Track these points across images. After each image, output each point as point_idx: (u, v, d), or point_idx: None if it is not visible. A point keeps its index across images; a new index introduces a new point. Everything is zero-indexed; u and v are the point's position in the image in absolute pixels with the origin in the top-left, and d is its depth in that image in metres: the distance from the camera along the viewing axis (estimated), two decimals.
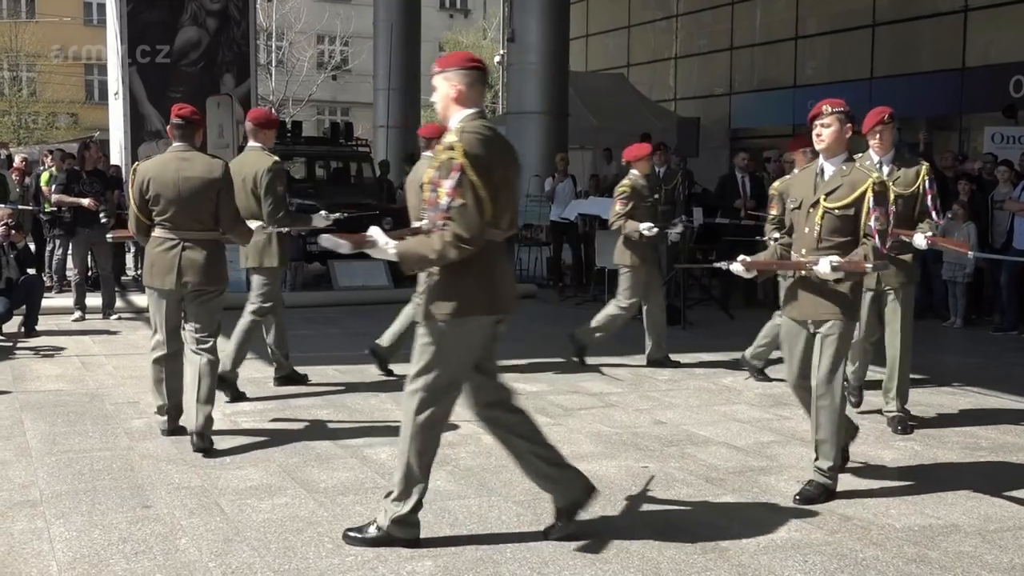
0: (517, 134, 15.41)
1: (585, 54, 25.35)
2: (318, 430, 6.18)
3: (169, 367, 5.93)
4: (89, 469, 5.26)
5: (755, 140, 20.64)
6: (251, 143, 7.07)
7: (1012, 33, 16.67)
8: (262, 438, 5.99)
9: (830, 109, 4.82)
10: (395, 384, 7.54)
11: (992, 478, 5.34)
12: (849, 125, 4.84)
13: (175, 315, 5.88)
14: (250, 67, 18.70)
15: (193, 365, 5.76)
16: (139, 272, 14.14)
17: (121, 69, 17.57)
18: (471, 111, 4.05)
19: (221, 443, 5.77)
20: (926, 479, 5.33)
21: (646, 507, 4.77)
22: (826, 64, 20.58)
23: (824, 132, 4.83)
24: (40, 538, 4.28)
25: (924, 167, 6.13)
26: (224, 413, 6.57)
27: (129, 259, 14.42)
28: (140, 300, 11.78)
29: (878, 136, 6.10)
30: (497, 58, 27.33)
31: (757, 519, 4.62)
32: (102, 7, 30.48)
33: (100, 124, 25.59)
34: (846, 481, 5.25)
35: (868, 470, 5.46)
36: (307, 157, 15.67)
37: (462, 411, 6.69)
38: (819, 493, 4.87)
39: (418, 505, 4.19)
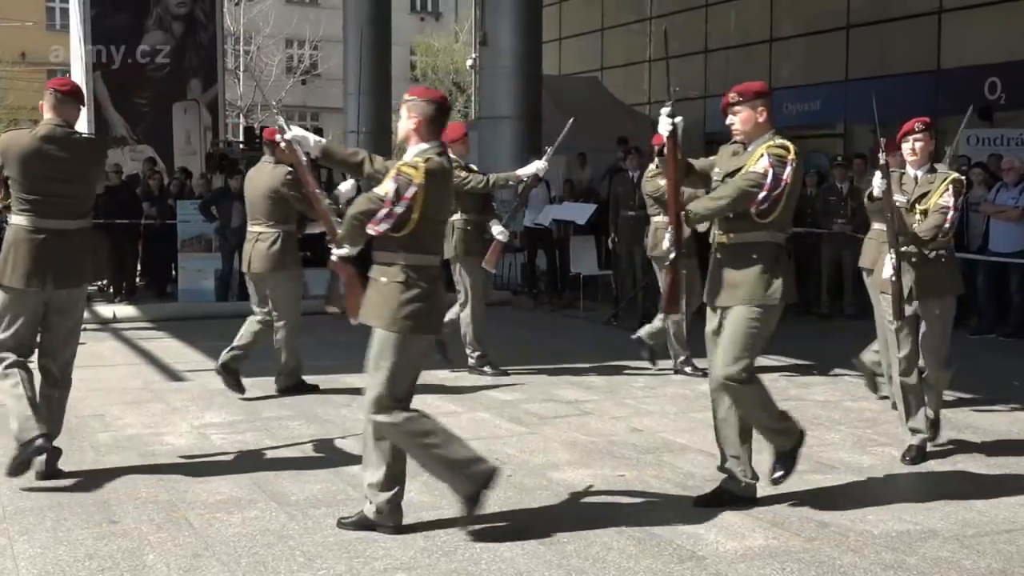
0: (490, 139, 15.40)
1: (558, 57, 25.36)
2: (289, 442, 6.15)
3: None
4: (53, 484, 5.21)
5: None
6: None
7: (986, 35, 16.82)
8: (232, 450, 5.96)
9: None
10: None
11: (970, 483, 5.39)
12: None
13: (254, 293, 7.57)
14: (217, 72, 18.63)
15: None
16: (104, 282, 14.06)
17: (85, 74, 17.47)
18: (48, 118, 5.24)
19: (190, 456, 5.74)
20: (904, 485, 5.38)
21: (622, 516, 4.78)
22: (801, 66, 20.69)
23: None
24: (3, 555, 4.25)
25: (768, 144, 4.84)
26: (192, 426, 6.55)
27: None
28: (106, 311, 11.72)
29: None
30: (469, 62, 27.34)
31: (734, 527, 4.64)
32: (65, 11, 30.27)
33: None
34: (823, 487, 5.29)
35: (846, 476, 5.49)
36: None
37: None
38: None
39: None
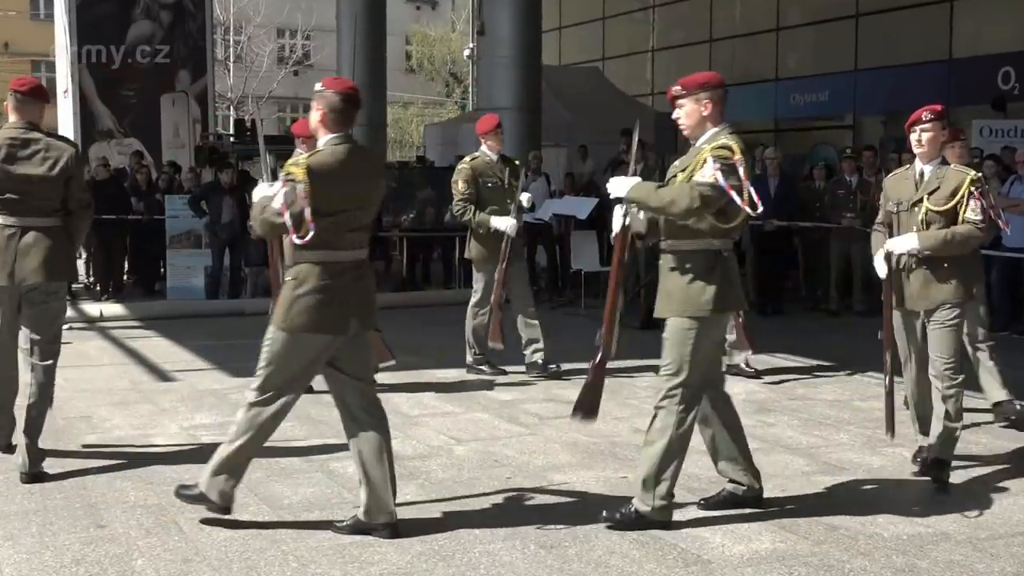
0: None
1: (558, 47, 25.37)
2: (281, 443, 6.14)
3: None
4: (39, 487, 5.21)
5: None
6: (482, 147, 8.39)
7: (1000, 23, 16.84)
8: None
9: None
10: None
11: (983, 484, 5.39)
12: None
13: None
14: (207, 63, 18.60)
15: None
16: (91, 279, 14.06)
17: (70, 66, 17.44)
18: (12, 120, 5.54)
19: (179, 460, 5.75)
20: (915, 486, 5.38)
21: None
22: (809, 56, 20.70)
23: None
24: None
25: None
26: (182, 427, 6.55)
27: (80, 265, 14.30)
28: (92, 309, 11.71)
29: None
30: (467, 52, 27.35)
31: (741, 530, 4.65)
32: (49, 1, 30.26)
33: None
34: (832, 489, 5.29)
35: (855, 477, 5.50)
36: None
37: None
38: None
39: None
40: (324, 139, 4.51)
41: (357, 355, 4.64)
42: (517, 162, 8.67)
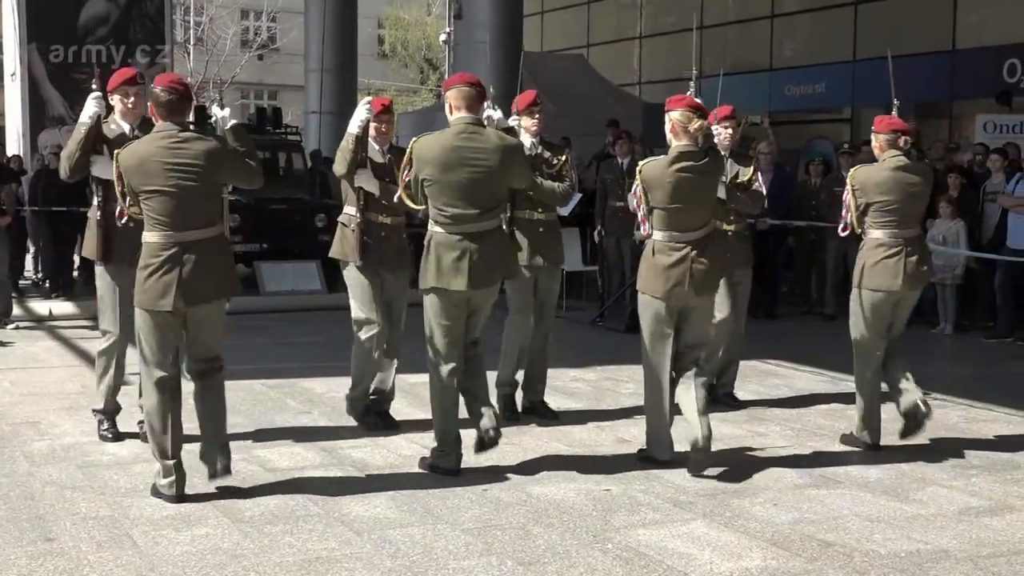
0: None
1: (540, 33, 25.40)
2: (242, 452, 6.13)
3: None
4: None
5: None
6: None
7: (1006, 12, 16.93)
8: None
9: None
10: (330, 402, 7.51)
11: (985, 499, 5.44)
12: None
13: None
14: (166, 45, 18.50)
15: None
16: (39, 275, 13.98)
17: (18, 47, 17.32)
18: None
19: (134, 468, 5.73)
20: (913, 501, 5.41)
21: (609, 534, 4.80)
22: (805, 45, 20.79)
23: None
24: None
25: None
26: (137, 433, 6.51)
27: (28, 260, 14.23)
28: (40, 307, 11.64)
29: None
30: (443, 37, 27.33)
31: (730, 546, 4.67)
32: None
33: None
34: (827, 503, 5.32)
35: (851, 491, 5.53)
36: None
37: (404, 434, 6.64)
38: None
39: None
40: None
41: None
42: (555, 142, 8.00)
